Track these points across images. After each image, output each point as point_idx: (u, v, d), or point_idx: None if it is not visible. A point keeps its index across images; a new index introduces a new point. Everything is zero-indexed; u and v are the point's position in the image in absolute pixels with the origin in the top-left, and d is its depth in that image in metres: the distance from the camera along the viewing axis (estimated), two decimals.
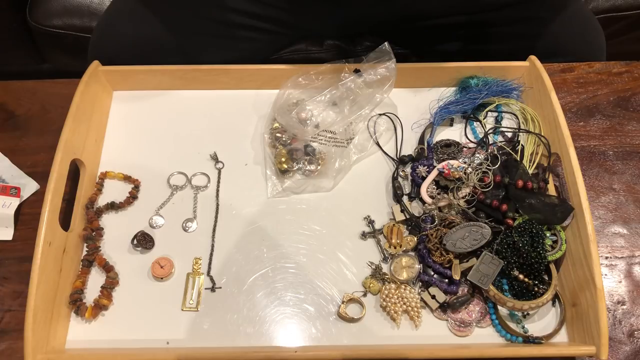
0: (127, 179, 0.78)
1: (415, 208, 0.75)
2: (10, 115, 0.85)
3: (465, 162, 0.75)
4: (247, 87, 0.85)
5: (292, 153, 0.79)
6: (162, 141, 0.82)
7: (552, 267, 0.69)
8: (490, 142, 0.79)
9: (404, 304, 0.69)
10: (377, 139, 0.82)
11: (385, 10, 0.95)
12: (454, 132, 0.82)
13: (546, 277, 0.69)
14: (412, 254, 0.73)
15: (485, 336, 0.68)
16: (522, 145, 0.77)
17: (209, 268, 0.72)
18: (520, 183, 0.71)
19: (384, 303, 0.69)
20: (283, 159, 0.78)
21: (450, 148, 0.79)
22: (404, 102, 0.84)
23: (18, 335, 0.67)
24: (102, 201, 0.76)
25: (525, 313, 0.69)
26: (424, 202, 0.74)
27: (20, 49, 1.35)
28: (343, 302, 0.69)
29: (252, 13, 0.95)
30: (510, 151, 0.76)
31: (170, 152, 0.81)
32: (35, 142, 0.82)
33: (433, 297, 0.69)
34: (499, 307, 0.68)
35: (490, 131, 0.81)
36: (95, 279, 0.72)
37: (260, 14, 0.95)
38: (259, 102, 0.84)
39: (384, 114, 0.83)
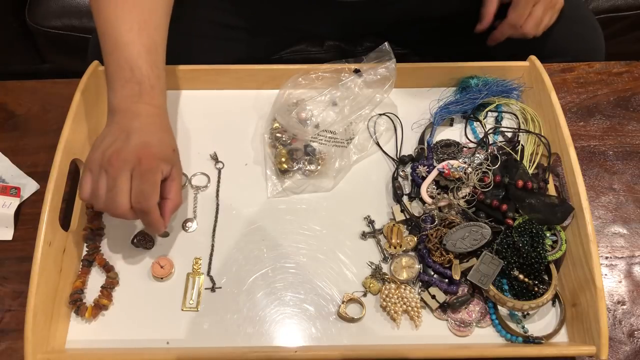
0: None
1: (415, 208, 0.75)
2: (10, 115, 0.85)
3: (465, 162, 0.75)
4: (247, 87, 0.85)
5: (292, 153, 0.79)
6: None
7: (552, 267, 0.69)
8: (490, 142, 0.79)
9: (404, 304, 0.69)
10: (377, 139, 0.82)
11: (386, 13, 0.95)
12: (454, 132, 0.82)
13: (546, 277, 0.69)
14: (412, 254, 0.73)
15: (485, 336, 0.68)
16: (522, 145, 0.77)
17: (209, 268, 0.72)
18: (520, 183, 0.71)
19: (384, 303, 0.69)
20: (283, 159, 0.78)
21: (450, 148, 0.79)
22: (404, 102, 0.84)
23: (18, 335, 0.67)
24: None
25: (525, 313, 0.69)
26: (424, 202, 0.74)
27: (20, 49, 1.35)
28: (343, 302, 0.69)
29: (252, 15, 0.95)
30: (510, 151, 0.76)
31: None
32: (35, 142, 0.82)
33: (433, 297, 0.69)
34: (499, 307, 0.68)
35: (490, 131, 0.81)
36: (95, 279, 0.71)
37: (260, 15, 0.95)
38: (259, 102, 0.84)
39: (384, 114, 0.83)
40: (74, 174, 0.76)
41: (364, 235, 0.74)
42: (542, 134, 0.78)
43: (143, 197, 0.63)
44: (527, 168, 0.74)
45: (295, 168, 0.78)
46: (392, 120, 0.83)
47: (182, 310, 0.69)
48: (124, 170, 0.62)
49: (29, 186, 0.78)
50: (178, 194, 0.68)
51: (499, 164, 0.74)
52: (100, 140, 0.66)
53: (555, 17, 0.88)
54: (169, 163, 0.66)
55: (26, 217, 0.76)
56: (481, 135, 0.81)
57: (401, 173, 0.78)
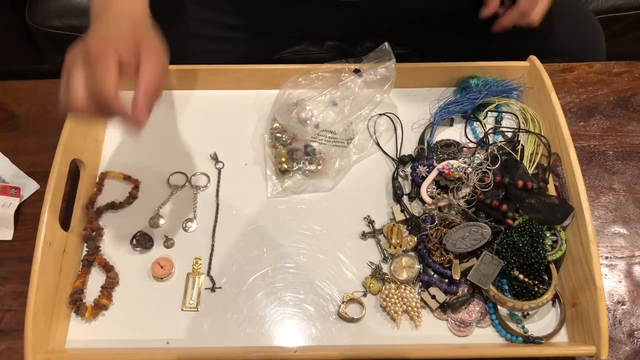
0: (127, 179, 0.78)
1: (415, 208, 0.75)
2: (10, 115, 0.85)
3: (465, 162, 0.75)
4: (247, 87, 0.85)
5: (292, 153, 0.79)
6: (162, 141, 0.82)
7: (552, 267, 0.69)
8: (490, 142, 0.79)
9: (404, 304, 0.69)
10: (377, 139, 0.82)
11: (386, 13, 0.95)
12: (454, 132, 0.82)
13: (546, 277, 0.69)
14: (412, 254, 0.73)
15: (485, 336, 0.68)
16: (522, 145, 0.77)
17: (209, 268, 0.72)
18: (520, 183, 0.71)
19: (384, 303, 0.69)
20: (283, 159, 0.78)
21: (450, 148, 0.79)
22: (404, 102, 0.84)
23: (18, 335, 0.67)
24: (102, 201, 0.76)
25: (525, 313, 0.69)
26: (424, 202, 0.74)
27: (20, 49, 1.35)
28: (343, 302, 0.69)
29: (252, 15, 0.95)
30: (510, 151, 0.76)
31: (170, 152, 0.81)
32: (35, 142, 0.82)
33: (433, 297, 0.69)
34: (499, 307, 0.68)
35: (490, 131, 0.81)
36: (95, 279, 0.71)
37: (261, 15, 0.95)
38: (259, 102, 0.84)
39: (384, 114, 0.83)
40: (74, 174, 0.76)
41: (364, 235, 0.74)
42: (542, 134, 0.78)
43: (93, 82, 0.57)
44: (527, 168, 0.74)
45: (295, 168, 0.78)
46: (392, 120, 0.83)
47: (182, 310, 0.69)
48: (75, 63, 0.58)
49: (29, 186, 0.78)
50: (151, 75, 0.59)
51: (499, 164, 0.74)
52: None
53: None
54: (127, 43, 0.59)
55: (26, 217, 0.76)
56: (481, 135, 0.81)
57: (401, 173, 0.78)
